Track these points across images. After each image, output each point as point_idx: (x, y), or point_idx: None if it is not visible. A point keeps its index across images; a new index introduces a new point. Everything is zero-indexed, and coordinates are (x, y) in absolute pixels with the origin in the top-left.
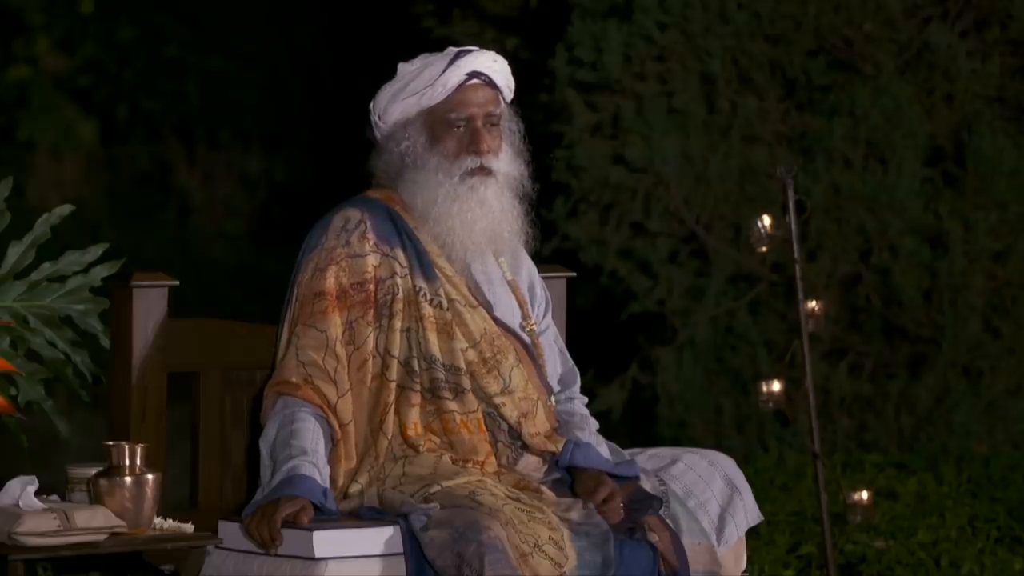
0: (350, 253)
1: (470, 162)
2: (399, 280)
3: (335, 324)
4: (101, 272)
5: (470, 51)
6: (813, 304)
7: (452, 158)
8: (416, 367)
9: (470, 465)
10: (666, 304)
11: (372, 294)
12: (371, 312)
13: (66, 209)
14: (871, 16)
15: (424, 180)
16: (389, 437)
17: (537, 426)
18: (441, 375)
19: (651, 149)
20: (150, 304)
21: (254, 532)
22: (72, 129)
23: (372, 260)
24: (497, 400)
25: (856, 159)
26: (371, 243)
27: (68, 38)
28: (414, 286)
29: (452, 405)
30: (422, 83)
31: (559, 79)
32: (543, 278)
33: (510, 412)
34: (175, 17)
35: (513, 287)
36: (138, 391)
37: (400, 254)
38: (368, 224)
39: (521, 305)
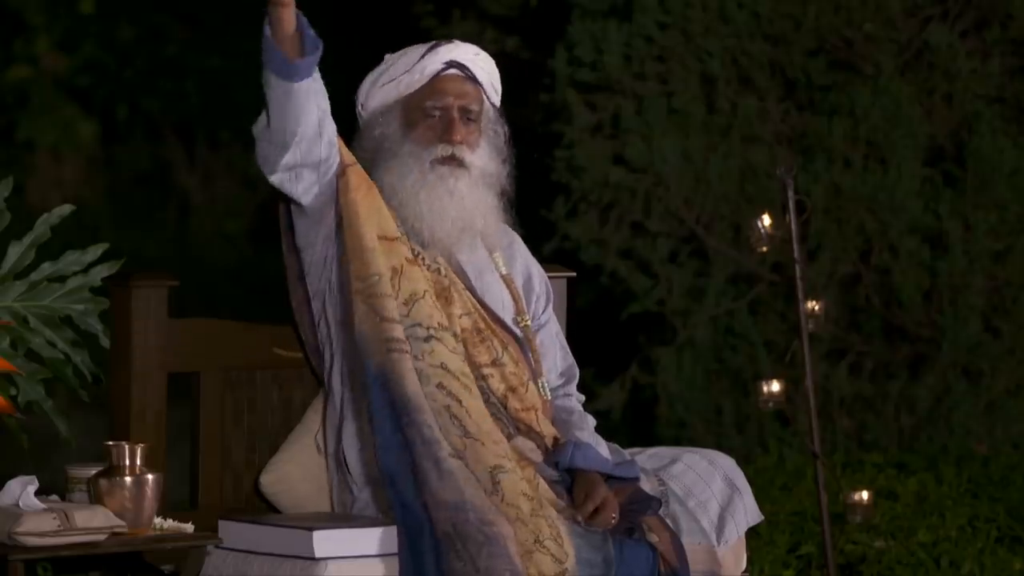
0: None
1: (441, 150)
2: (398, 244)
3: None
4: (101, 272)
5: (451, 42)
6: (813, 304)
7: (424, 145)
8: (419, 334)
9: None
10: (666, 304)
11: None
12: None
13: (66, 209)
14: (871, 16)
15: (397, 166)
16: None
17: (524, 402)
18: (437, 335)
19: (651, 149)
20: (150, 304)
21: None
22: (72, 129)
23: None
24: (486, 371)
25: (856, 159)
26: None
27: (68, 38)
28: (412, 249)
29: (453, 365)
30: (400, 69)
31: (559, 79)
32: None
33: (497, 384)
34: (175, 17)
35: (507, 281)
36: (138, 391)
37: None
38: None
39: (515, 300)
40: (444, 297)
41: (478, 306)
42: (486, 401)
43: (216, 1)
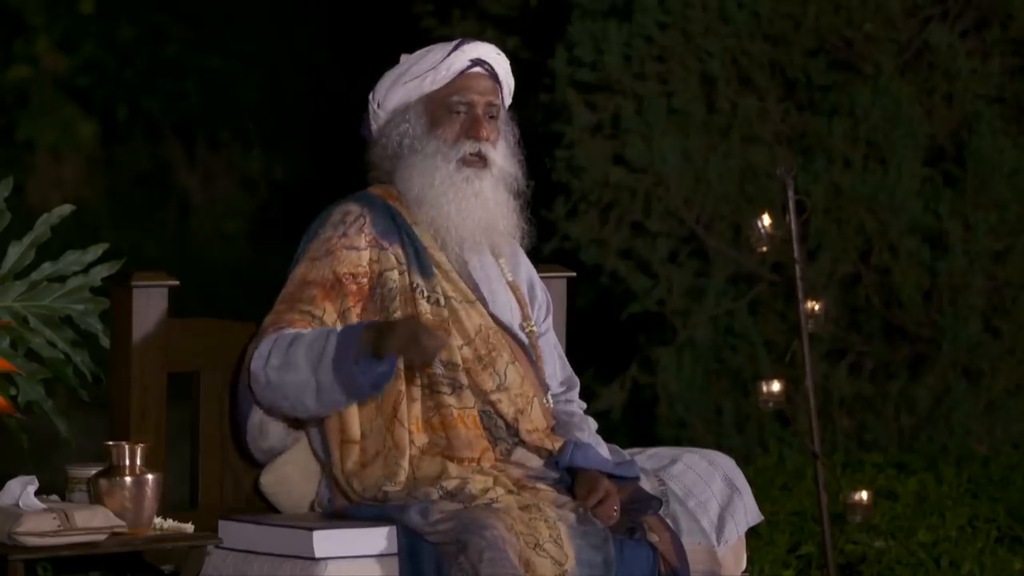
0: (346, 244)
1: (468, 147)
2: (396, 276)
3: (328, 311)
4: (101, 272)
5: (474, 41)
6: (813, 304)
7: (451, 142)
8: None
9: (465, 463)
10: (666, 304)
11: (365, 288)
12: (361, 305)
13: (66, 209)
14: (871, 16)
15: (421, 164)
16: (407, 426)
17: (534, 422)
18: (439, 370)
19: (651, 149)
20: (150, 304)
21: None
22: (72, 129)
23: (368, 255)
24: (493, 397)
25: (856, 159)
26: (368, 238)
27: (68, 38)
28: (411, 283)
29: (450, 400)
30: (425, 67)
31: (559, 79)
32: (543, 278)
33: (506, 408)
34: (175, 17)
35: (513, 288)
36: (138, 391)
37: (398, 250)
38: (367, 219)
39: (522, 306)
40: (442, 329)
41: (486, 316)
42: (494, 425)
43: (216, 1)
